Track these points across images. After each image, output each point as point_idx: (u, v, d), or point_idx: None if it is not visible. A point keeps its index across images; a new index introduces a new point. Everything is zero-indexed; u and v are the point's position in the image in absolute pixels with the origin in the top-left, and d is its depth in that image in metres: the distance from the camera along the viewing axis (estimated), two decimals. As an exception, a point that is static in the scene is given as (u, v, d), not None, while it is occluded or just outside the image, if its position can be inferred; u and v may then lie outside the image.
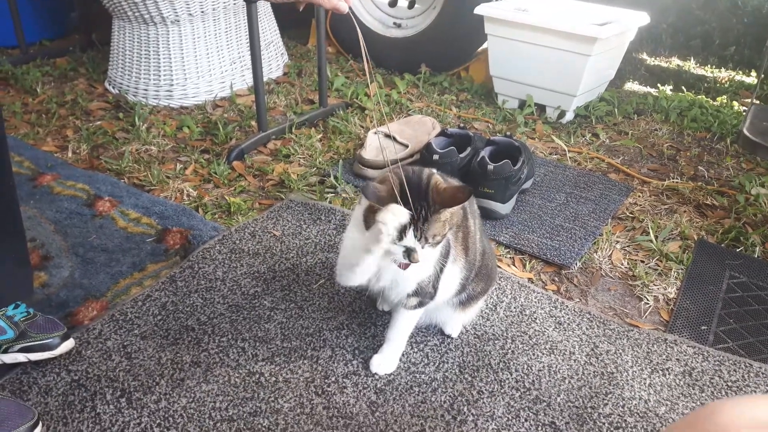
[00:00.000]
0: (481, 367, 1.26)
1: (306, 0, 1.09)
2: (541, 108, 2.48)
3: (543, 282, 1.55)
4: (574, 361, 1.29)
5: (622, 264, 1.61)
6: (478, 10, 2.39)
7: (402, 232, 1.01)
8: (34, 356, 1.20)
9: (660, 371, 1.28)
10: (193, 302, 1.40)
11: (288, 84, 2.73)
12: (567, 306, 1.44)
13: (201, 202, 1.81)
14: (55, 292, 1.43)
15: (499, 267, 1.51)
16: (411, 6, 2.89)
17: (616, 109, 2.51)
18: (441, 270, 1.13)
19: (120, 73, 2.55)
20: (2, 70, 2.71)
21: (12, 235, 1.23)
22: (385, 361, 1.24)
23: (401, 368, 1.25)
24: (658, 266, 1.61)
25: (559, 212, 1.81)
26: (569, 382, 1.24)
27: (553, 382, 1.24)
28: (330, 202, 1.82)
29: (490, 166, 1.71)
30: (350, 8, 1.08)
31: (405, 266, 1.06)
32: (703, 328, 1.41)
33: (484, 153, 1.79)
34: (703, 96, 2.71)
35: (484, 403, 1.18)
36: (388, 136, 2.02)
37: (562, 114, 2.43)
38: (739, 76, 3.02)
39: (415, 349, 1.30)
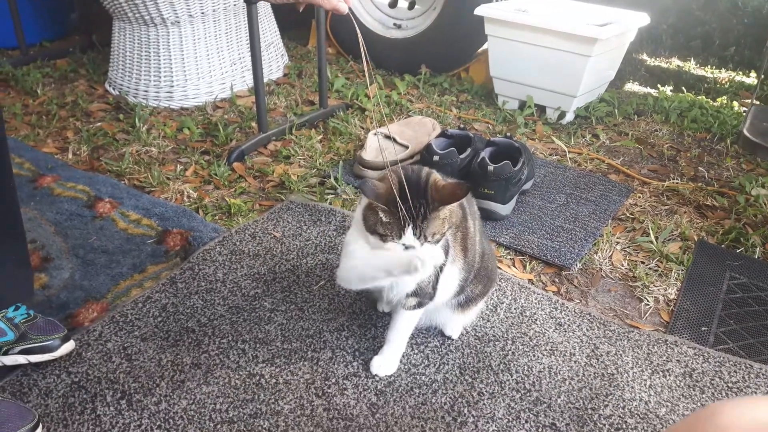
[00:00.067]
0: (481, 369, 1.26)
1: (306, 0, 1.09)
2: (541, 109, 2.48)
3: (543, 283, 1.55)
4: (575, 362, 1.29)
5: (622, 265, 1.61)
6: (478, 11, 2.39)
7: (401, 231, 1.01)
8: (35, 358, 1.20)
9: (660, 372, 1.28)
10: (193, 304, 1.40)
11: (288, 85, 2.73)
12: (567, 307, 1.44)
13: (201, 204, 1.81)
14: (56, 294, 1.43)
15: (499, 268, 1.51)
16: (411, 7, 2.89)
17: (616, 110, 2.51)
18: (440, 270, 1.13)
19: (120, 74, 2.55)
20: (2, 72, 2.72)
21: (12, 236, 1.23)
22: (386, 363, 1.24)
23: (402, 370, 1.25)
24: (659, 267, 1.61)
25: (560, 213, 1.81)
26: (570, 383, 1.24)
27: (554, 384, 1.24)
28: (330, 204, 1.82)
29: (491, 167, 1.71)
30: (350, 9, 1.08)
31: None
32: (703, 329, 1.41)
33: (485, 154, 1.79)
34: (703, 97, 2.71)
35: (484, 404, 1.18)
36: (388, 137, 2.02)
37: (562, 115, 2.43)
38: (739, 77, 3.02)
39: (416, 351, 1.29)
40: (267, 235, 1.65)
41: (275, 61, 2.81)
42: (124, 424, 1.11)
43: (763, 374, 1.28)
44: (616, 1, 2.58)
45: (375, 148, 1.94)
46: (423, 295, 1.15)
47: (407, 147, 1.99)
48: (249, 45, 2.02)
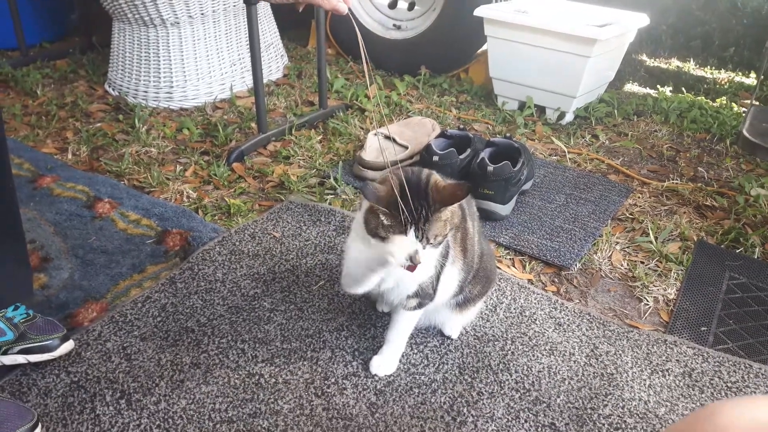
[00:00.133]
0: (480, 369, 1.26)
1: (305, 1, 1.10)
2: (541, 109, 2.48)
3: (543, 283, 1.55)
4: (574, 362, 1.29)
5: (621, 265, 1.61)
6: (478, 11, 2.39)
7: (403, 234, 1.01)
8: (34, 358, 1.20)
9: (660, 372, 1.28)
10: (192, 304, 1.40)
11: (288, 86, 2.73)
12: (567, 307, 1.44)
13: (201, 204, 1.81)
14: (55, 294, 1.43)
15: (498, 268, 1.51)
16: (411, 8, 2.89)
17: (615, 111, 2.51)
18: (440, 271, 1.13)
19: (120, 75, 2.55)
20: (2, 72, 2.72)
21: (12, 236, 1.23)
22: (385, 363, 1.24)
23: (401, 369, 1.25)
24: (658, 267, 1.61)
25: (559, 213, 1.81)
26: (569, 383, 1.24)
27: (553, 383, 1.24)
28: (330, 204, 1.82)
29: (490, 168, 1.71)
30: (349, 10, 1.08)
31: (412, 269, 1.05)
32: (702, 329, 1.41)
33: (484, 154, 1.79)
34: (703, 97, 2.71)
35: (483, 404, 1.18)
36: (387, 137, 2.02)
37: (561, 115, 2.43)
38: (739, 78, 3.02)
39: (415, 351, 1.30)
40: (266, 235, 1.65)
41: (275, 61, 2.81)
42: (123, 424, 1.11)
43: (762, 374, 1.28)
44: (615, 2, 2.58)
45: (375, 149, 1.94)
46: (424, 296, 1.15)
47: (407, 147, 1.99)
48: (248, 46, 2.02)
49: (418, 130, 2.10)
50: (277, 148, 2.14)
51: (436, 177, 1.08)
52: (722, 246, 1.71)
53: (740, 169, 2.14)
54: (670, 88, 2.83)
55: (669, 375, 1.27)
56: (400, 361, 1.26)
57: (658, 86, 2.84)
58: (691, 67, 3.17)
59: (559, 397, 1.21)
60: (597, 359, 1.30)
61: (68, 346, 1.23)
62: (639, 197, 1.93)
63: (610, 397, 1.21)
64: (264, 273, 1.51)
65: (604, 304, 1.49)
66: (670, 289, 1.53)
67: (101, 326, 1.32)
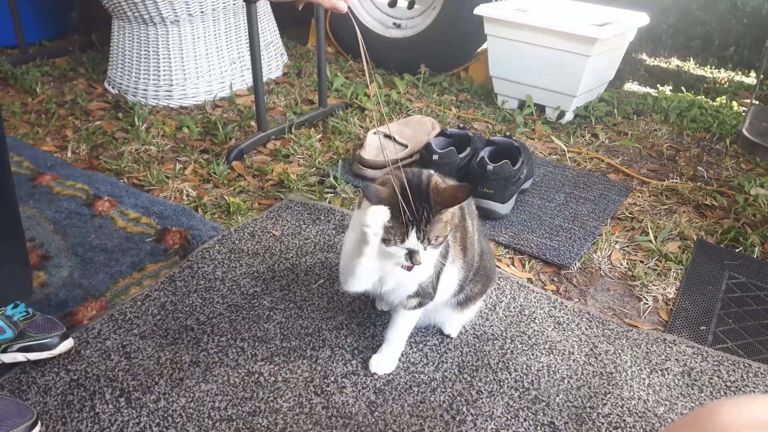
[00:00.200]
0: (480, 367, 1.26)
1: (305, -1, 1.09)
2: (541, 108, 2.48)
3: (542, 282, 1.55)
4: (573, 361, 1.29)
5: (621, 264, 1.61)
6: (478, 10, 2.39)
7: (404, 235, 1.01)
8: (33, 356, 1.20)
9: (659, 371, 1.28)
10: (192, 302, 1.40)
11: (287, 84, 2.73)
12: (566, 306, 1.44)
13: (200, 202, 1.81)
14: (54, 292, 1.43)
15: (498, 267, 1.51)
16: (410, 6, 2.89)
17: (615, 110, 2.51)
18: (440, 270, 1.13)
19: (119, 73, 2.55)
20: (2, 70, 2.71)
21: (11, 234, 1.23)
22: (385, 361, 1.24)
23: (400, 368, 1.25)
24: (658, 266, 1.61)
25: (559, 212, 1.81)
26: (568, 382, 1.24)
27: (552, 382, 1.24)
28: (329, 202, 1.82)
29: (490, 167, 1.71)
30: (349, 8, 1.08)
31: (410, 268, 1.06)
32: (702, 328, 1.41)
33: (484, 153, 1.79)
34: (703, 96, 2.72)
35: (483, 402, 1.18)
36: (387, 136, 2.02)
37: (561, 114, 2.43)
38: (739, 77, 3.02)
39: (415, 349, 1.30)
40: (266, 233, 1.65)
41: (274, 60, 2.81)
42: (122, 422, 1.11)
43: (761, 373, 1.28)
44: (615, 1, 2.58)
45: (375, 147, 1.94)
46: (424, 296, 1.15)
47: (407, 146, 1.99)
48: (248, 44, 2.02)
49: (418, 129, 2.10)
50: (277, 147, 2.14)
51: (437, 178, 1.08)
52: (722, 245, 1.71)
53: (740, 169, 2.14)
54: (670, 88, 2.83)
55: (668, 374, 1.27)
56: (400, 359, 1.26)
57: (658, 85, 2.84)
58: (691, 66, 3.17)
59: (558, 395, 1.21)
60: (596, 358, 1.30)
61: (68, 344, 1.23)
62: (638, 196, 1.93)
63: (609, 396, 1.21)
64: (263, 271, 1.51)
65: (603, 303, 1.49)
66: (669, 288, 1.53)
67: (101, 324, 1.32)
